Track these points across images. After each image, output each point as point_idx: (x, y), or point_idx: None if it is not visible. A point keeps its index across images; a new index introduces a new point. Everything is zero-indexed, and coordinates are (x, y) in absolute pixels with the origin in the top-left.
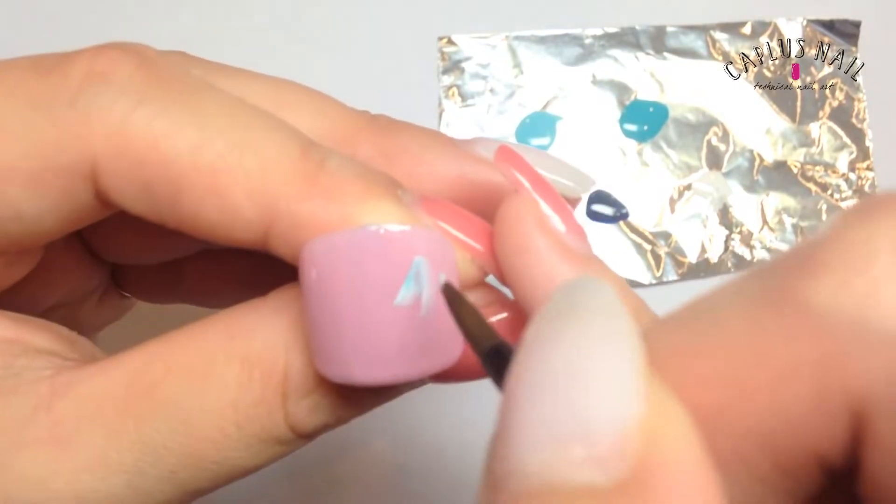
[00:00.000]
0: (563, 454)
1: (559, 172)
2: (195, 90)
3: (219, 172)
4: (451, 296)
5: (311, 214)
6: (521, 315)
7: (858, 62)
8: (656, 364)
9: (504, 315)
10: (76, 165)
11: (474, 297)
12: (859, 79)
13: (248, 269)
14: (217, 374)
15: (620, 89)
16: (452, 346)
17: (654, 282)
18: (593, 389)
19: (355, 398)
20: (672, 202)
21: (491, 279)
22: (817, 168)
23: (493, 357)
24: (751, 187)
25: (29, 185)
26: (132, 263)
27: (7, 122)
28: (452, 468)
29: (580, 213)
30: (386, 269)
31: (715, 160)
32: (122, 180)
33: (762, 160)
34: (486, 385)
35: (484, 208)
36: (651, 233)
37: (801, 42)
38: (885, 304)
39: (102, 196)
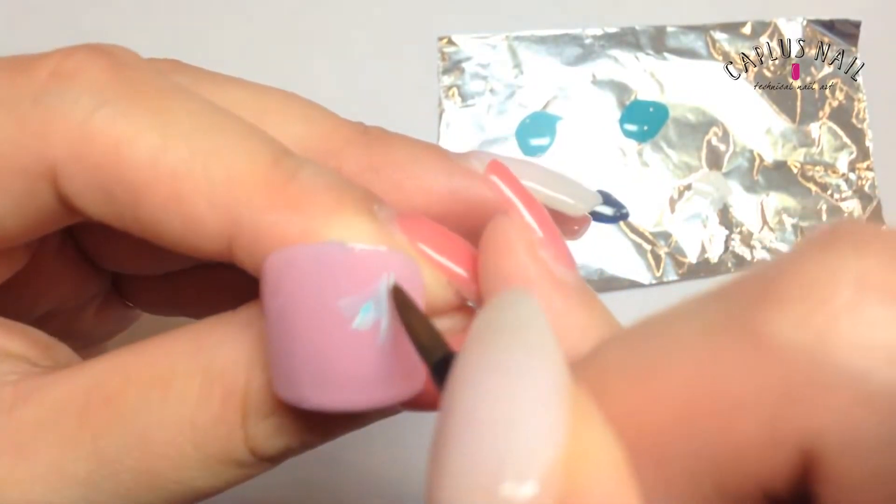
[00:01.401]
0: (488, 498)
1: (560, 189)
2: (164, 94)
3: (180, 179)
4: (401, 302)
5: (274, 226)
6: None
7: (858, 62)
8: (607, 381)
9: None
10: (35, 166)
11: (450, 322)
12: (859, 79)
13: (246, 283)
14: (177, 387)
15: (620, 89)
16: (414, 376)
17: (654, 282)
18: (515, 428)
19: (320, 423)
20: (672, 202)
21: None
22: (817, 168)
23: (443, 369)
24: (751, 187)
25: None
26: (130, 273)
27: None
28: None
29: None
30: (346, 289)
31: (715, 160)
32: (81, 184)
33: (762, 160)
34: None
35: (476, 226)
36: (651, 233)
37: (801, 42)
38: (844, 341)
39: (64, 200)
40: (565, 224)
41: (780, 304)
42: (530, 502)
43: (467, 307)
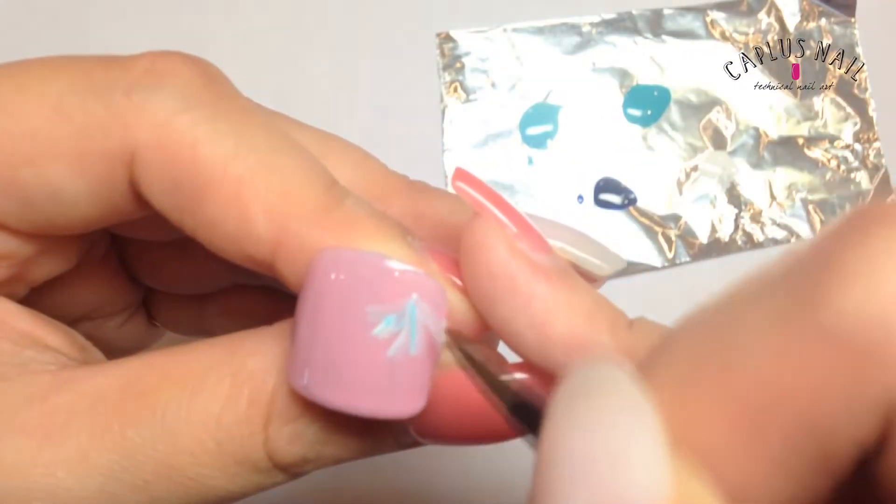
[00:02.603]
0: None
1: (589, 251)
2: (244, 111)
3: (243, 184)
4: (469, 354)
5: (320, 241)
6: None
7: (857, 32)
8: (689, 375)
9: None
10: (118, 150)
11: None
12: (859, 49)
13: (271, 310)
14: (209, 386)
15: (621, 75)
16: (415, 397)
17: (666, 265)
18: (628, 474)
19: (337, 436)
20: (679, 184)
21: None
22: (822, 141)
23: (517, 413)
24: (757, 164)
25: (73, 165)
26: (165, 290)
27: (65, 103)
28: (454, 491)
29: (589, 202)
30: (376, 297)
31: (719, 140)
32: (155, 173)
33: (767, 136)
34: None
35: None
36: (660, 216)
37: (798, 15)
38: None
39: (135, 186)
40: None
41: (848, 280)
42: None
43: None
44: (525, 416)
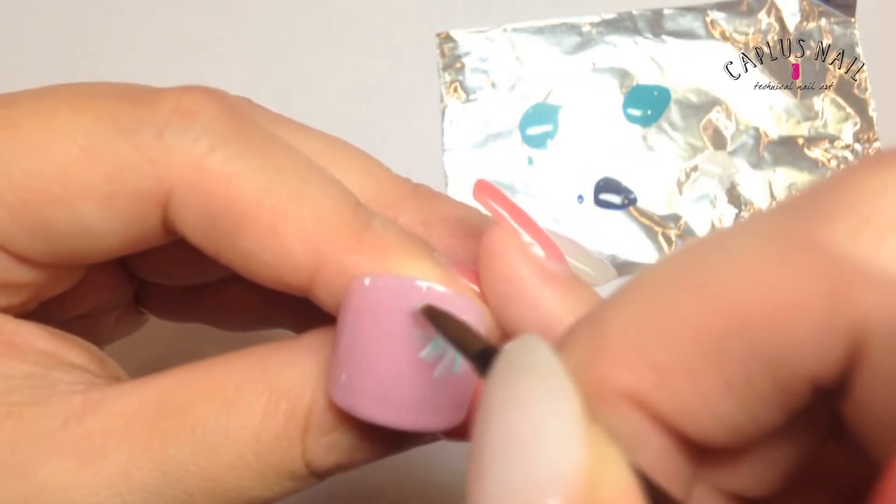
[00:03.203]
0: None
1: (582, 260)
2: (268, 141)
3: (278, 216)
4: (435, 314)
5: (357, 265)
6: None
7: (857, 32)
8: (661, 292)
9: None
10: (151, 191)
11: None
12: (859, 49)
13: (264, 299)
14: (245, 402)
15: (621, 75)
16: (457, 411)
17: None
18: (540, 451)
19: (370, 444)
20: (679, 184)
21: None
22: (822, 141)
23: (482, 359)
24: (757, 164)
25: (103, 205)
26: (160, 282)
27: (93, 143)
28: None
29: (589, 202)
30: (421, 322)
31: (720, 140)
32: (191, 211)
33: (767, 136)
34: None
35: None
36: (660, 216)
37: (798, 15)
38: (890, 249)
39: (169, 224)
40: None
41: (835, 217)
42: None
43: None
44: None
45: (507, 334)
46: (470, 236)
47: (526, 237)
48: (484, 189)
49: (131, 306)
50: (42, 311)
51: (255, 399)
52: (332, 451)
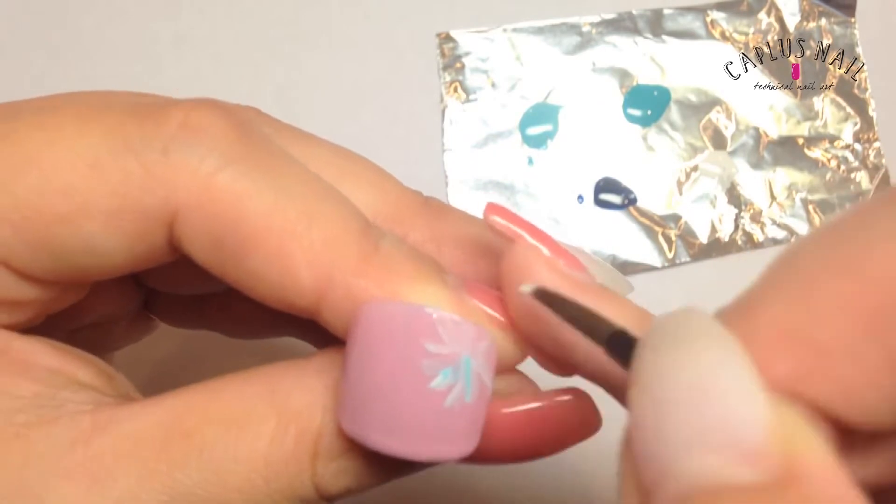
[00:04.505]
0: (714, 458)
1: (602, 275)
2: (277, 158)
3: (286, 237)
4: (552, 298)
5: (365, 290)
6: (550, 403)
7: (857, 32)
8: (815, 277)
9: (536, 405)
10: (157, 210)
11: (508, 383)
12: (859, 49)
13: (272, 309)
14: (253, 426)
15: (621, 75)
16: (469, 440)
17: (666, 265)
18: (731, 402)
19: (380, 468)
20: (679, 184)
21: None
22: (822, 141)
23: (615, 344)
24: (757, 164)
25: (109, 223)
26: (168, 291)
27: (99, 160)
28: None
29: (589, 202)
30: (432, 353)
31: (720, 140)
32: (197, 230)
33: (767, 136)
34: None
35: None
36: (660, 216)
37: (798, 15)
38: None
39: (175, 242)
40: None
41: None
42: (752, 462)
43: (519, 371)
44: (620, 348)
45: (536, 352)
46: (482, 254)
47: (546, 251)
48: (494, 210)
49: (141, 313)
50: (49, 322)
51: (263, 422)
52: (342, 475)
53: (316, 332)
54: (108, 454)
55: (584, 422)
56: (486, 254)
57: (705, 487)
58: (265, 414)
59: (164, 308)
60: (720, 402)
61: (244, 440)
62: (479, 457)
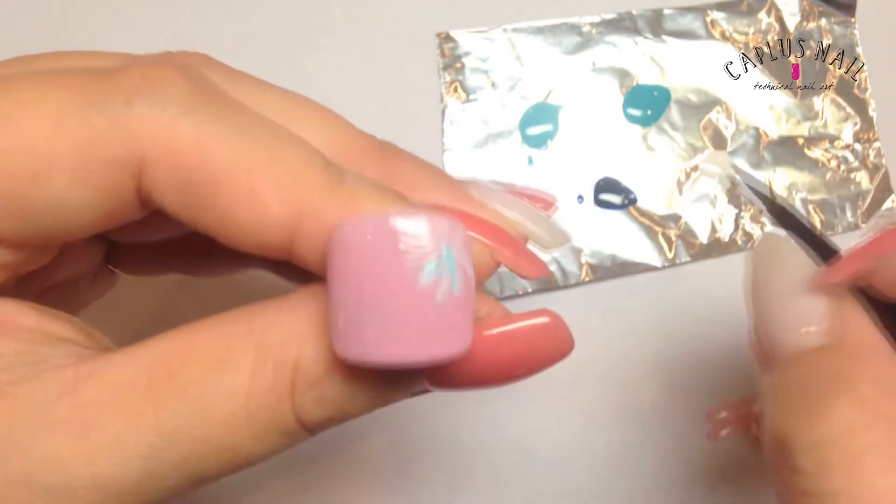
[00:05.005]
0: (801, 333)
1: (537, 224)
2: (235, 107)
3: (255, 174)
4: (789, 218)
5: (335, 216)
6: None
7: (857, 32)
8: None
9: (516, 325)
10: (124, 160)
11: (478, 305)
12: (859, 49)
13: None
14: (234, 360)
15: (621, 75)
16: (464, 335)
17: (666, 265)
18: (804, 300)
19: (360, 395)
20: (680, 184)
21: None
22: (822, 141)
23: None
24: (757, 164)
25: (77, 176)
26: (130, 241)
27: (63, 115)
28: (450, 465)
29: (589, 202)
30: (413, 251)
31: (720, 140)
32: (165, 179)
33: (767, 136)
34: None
35: None
36: (660, 216)
37: (798, 15)
38: None
39: (143, 193)
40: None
41: None
42: (824, 335)
43: (485, 293)
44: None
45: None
46: (433, 197)
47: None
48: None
49: (103, 267)
50: (18, 284)
51: (243, 357)
52: (321, 403)
53: (283, 264)
54: (93, 403)
55: (561, 342)
56: (437, 193)
57: (798, 351)
58: (244, 349)
59: (126, 259)
60: (798, 302)
61: (226, 376)
62: (462, 381)
